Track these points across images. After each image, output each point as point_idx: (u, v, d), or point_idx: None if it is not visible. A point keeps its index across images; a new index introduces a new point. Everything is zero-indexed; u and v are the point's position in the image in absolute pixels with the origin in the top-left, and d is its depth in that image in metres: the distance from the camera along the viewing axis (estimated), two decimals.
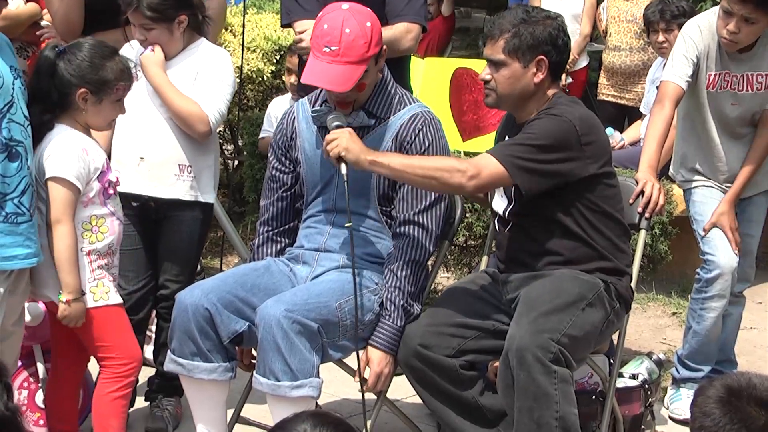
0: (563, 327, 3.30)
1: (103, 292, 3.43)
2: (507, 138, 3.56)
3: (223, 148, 7.03)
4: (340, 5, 3.47)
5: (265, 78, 6.39)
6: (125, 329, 3.51)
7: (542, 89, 3.50)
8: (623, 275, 3.60)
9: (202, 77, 3.85)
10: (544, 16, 3.52)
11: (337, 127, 3.42)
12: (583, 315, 3.38)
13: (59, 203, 3.35)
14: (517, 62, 3.45)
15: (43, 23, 4.78)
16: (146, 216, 3.94)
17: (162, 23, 3.79)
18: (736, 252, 4.19)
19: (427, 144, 3.53)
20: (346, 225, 3.42)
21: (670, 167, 4.45)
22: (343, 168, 3.35)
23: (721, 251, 4.17)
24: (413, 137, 3.52)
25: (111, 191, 3.47)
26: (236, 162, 6.67)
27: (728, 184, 4.28)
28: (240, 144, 6.50)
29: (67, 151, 3.38)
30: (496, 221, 3.69)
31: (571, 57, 6.75)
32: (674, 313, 5.58)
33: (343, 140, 3.33)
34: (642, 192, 3.79)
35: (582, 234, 3.49)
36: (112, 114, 3.50)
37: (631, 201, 3.77)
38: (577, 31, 7.36)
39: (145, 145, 3.85)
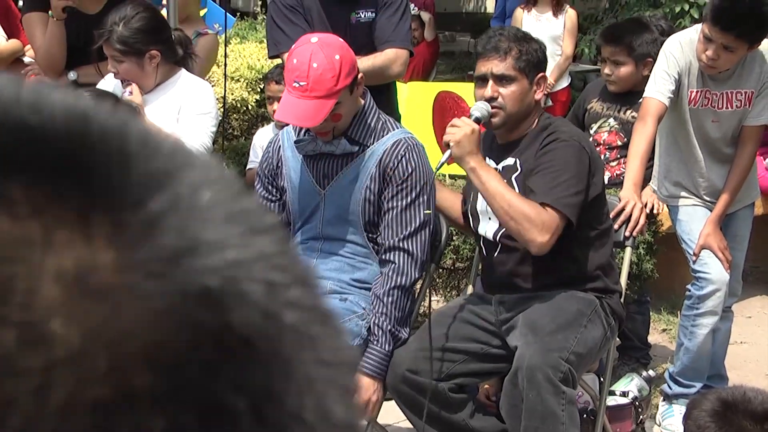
0: (570, 345, 3.32)
1: None
2: (488, 159, 3.56)
3: None
4: (310, 38, 3.49)
5: (250, 107, 6.40)
6: None
7: (537, 107, 3.55)
8: (614, 293, 3.62)
9: (184, 112, 3.86)
10: (530, 35, 3.60)
11: (476, 119, 3.41)
12: (585, 332, 3.40)
13: None
14: (525, 79, 3.49)
15: (26, 60, 4.80)
16: None
17: (132, 57, 3.80)
18: (728, 270, 4.20)
19: (410, 170, 3.54)
20: (426, 211, 3.46)
21: (652, 182, 4.47)
22: (445, 155, 3.36)
23: (713, 268, 4.18)
24: (396, 163, 3.54)
25: None
26: None
27: (711, 199, 4.30)
28: None
29: None
30: (482, 245, 3.68)
31: (550, 80, 6.78)
32: (664, 330, 5.59)
33: (460, 133, 3.33)
34: (623, 210, 3.81)
35: (577, 253, 3.50)
36: None
37: (611, 216, 3.79)
38: (555, 53, 7.39)
39: None
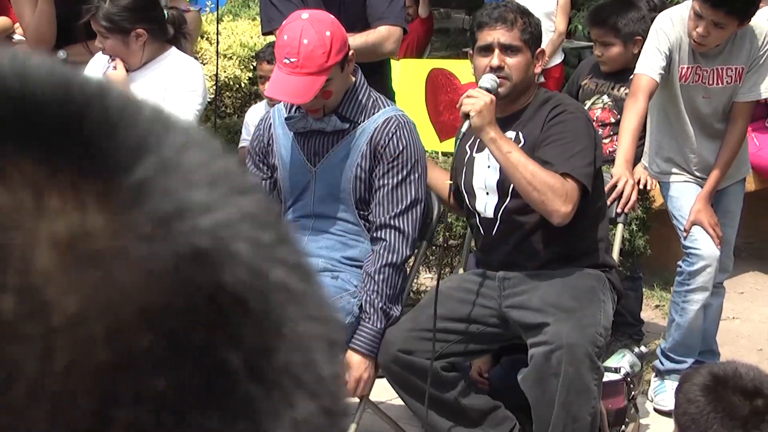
0: (599, 320, 3.36)
1: None
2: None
3: None
4: (300, 15, 3.48)
5: (243, 85, 6.38)
6: None
7: (535, 81, 3.55)
8: (613, 268, 3.64)
9: (171, 89, 3.85)
10: (528, 10, 3.63)
11: (485, 90, 3.41)
12: (605, 306, 3.44)
13: None
14: (529, 51, 3.51)
15: (15, 37, 4.77)
16: None
17: (117, 34, 3.78)
18: (718, 246, 4.21)
19: (401, 147, 3.54)
20: (446, 182, 3.47)
21: (643, 158, 4.47)
22: (465, 125, 3.35)
23: (703, 244, 4.19)
24: (387, 141, 3.54)
25: None
26: None
27: (702, 175, 4.31)
28: None
29: None
30: (479, 222, 3.66)
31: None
32: (657, 306, 5.60)
33: (480, 103, 3.31)
34: (615, 186, 3.82)
35: (581, 227, 3.49)
36: None
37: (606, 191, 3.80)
38: (549, 29, 7.37)
39: None
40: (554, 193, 3.31)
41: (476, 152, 3.59)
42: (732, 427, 2.12)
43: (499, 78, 3.46)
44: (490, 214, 3.58)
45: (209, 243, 0.41)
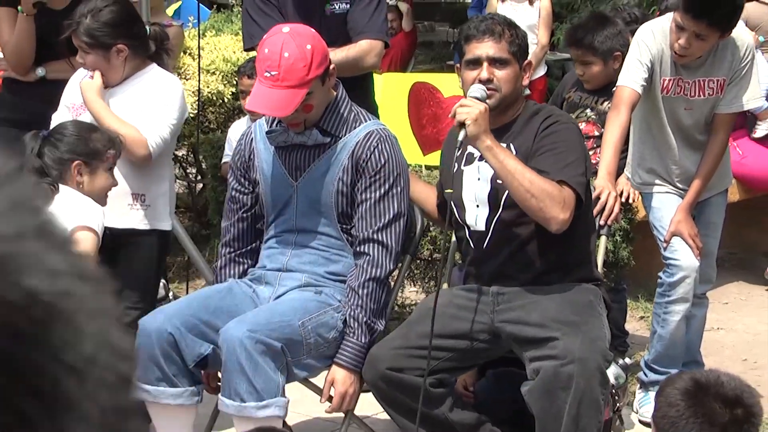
0: (604, 334, 3.38)
1: None
2: (469, 148, 3.52)
3: (187, 171, 7.02)
4: (281, 28, 3.48)
5: (226, 100, 6.38)
6: None
7: (522, 93, 3.56)
8: (601, 281, 3.64)
9: (148, 104, 3.83)
10: (515, 22, 3.64)
11: (476, 99, 3.40)
12: (603, 319, 3.47)
13: (90, 255, 3.35)
14: (517, 63, 3.51)
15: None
16: (102, 244, 3.92)
17: (98, 49, 3.78)
18: (698, 257, 4.22)
19: (383, 161, 3.54)
20: (446, 191, 3.46)
21: (626, 169, 4.48)
22: (461, 134, 3.33)
23: (683, 254, 4.20)
24: (368, 155, 3.53)
25: None
26: (200, 185, 6.66)
27: (684, 186, 4.31)
28: (203, 167, 6.49)
29: (91, 204, 3.44)
30: (468, 236, 3.63)
31: None
32: (641, 317, 5.61)
33: (475, 111, 3.31)
34: (598, 198, 3.82)
35: (572, 238, 3.48)
36: (107, 183, 3.55)
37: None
38: (532, 42, 7.39)
39: None
40: (552, 200, 3.32)
41: (464, 165, 3.59)
42: None
43: (488, 90, 3.47)
44: (481, 226, 3.57)
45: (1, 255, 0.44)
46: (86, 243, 3.36)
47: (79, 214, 3.38)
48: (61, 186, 3.45)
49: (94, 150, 3.50)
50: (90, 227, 3.38)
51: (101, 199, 3.56)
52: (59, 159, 3.46)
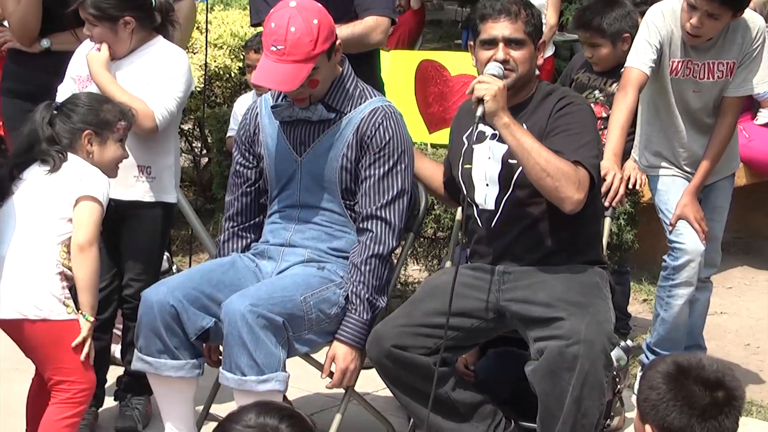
0: (610, 316, 3.37)
1: (74, 307, 3.38)
2: (481, 126, 3.46)
3: (192, 145, 7.02)
4: (288, 3, 3.46)
5: (233, 75, 6.37)
6: (88, 359, 3.40)
7: (536, 73, 3.56)
8: (604, 264, 3.64)
9: (154, 76, 3.82)
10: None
11: (493, 76, 3.39)
12: (609, 302, 3.45)
13: (93, 225, 3.36)
14: (532, 43, 3.50)
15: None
16: (106, 215, 3.91)
17: (105, 22, 3.77)
18: (703, 241, 4.20)
19: (387, 138, 3.52)
20: (466, 167, 3.39)
21: (633, 152, 4.46)
22: (479, 110, 3.32)
23: (688, 238, 4.19)
24: (374, 131, 3.52)
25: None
26: (206, 159, 6.66)
27: (691, 170, 4.29)
28: (209, 141, 6.49)
29: (98, 174, 3.43)
30: (476, 214, 3.61)
31: None
32: (644, 300, 5.61)
33: (494, 88, 3.30)
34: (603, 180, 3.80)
35: (580, 219, 3.46)
36: (117, 155, 3.54)
37: None
38: None
39: None
40: (568, 180, 3.31)
41: (475, 143, 3.56)
42: (690, 416, 2.14)
43: (504, 70, 3.45)
44: (490, 205, 3.55)
45: None
46: (90, 213, 3.36)
47: (84, 183, 3.38)
48: (69, 155, 3.44)
49: (105, 120, 3.50)
50: (94, 197, 3.37)
51: (111, 170, 3.55)
52: (71, 129, 3.46)
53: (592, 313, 3.31)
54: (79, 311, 3.35)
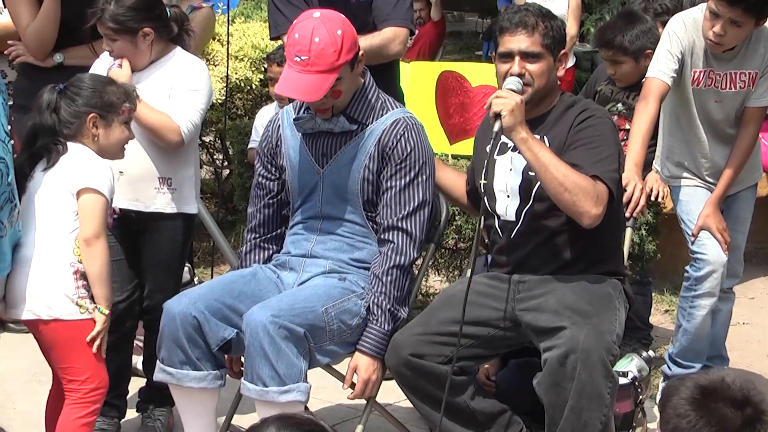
0: (614, 328, 3.35)
1: (89, 306, 3.39)
2: (502, 138, 3.47)
3: (214, 157, 7.04)
4: (312, 13, 3.48)
5: (254, 87, 6.39)
6: (99, 353, 3.43)
7: (558, 84, 3.54)
8: (625, 276, 3.63)
9: (175, 89, 3.84)
10: (551, 12, 3.59)
11: (511, 90, 3.39)
12: (619, 314, 3.43)
13: (98, 218, 3.35)
14: (551, 56, 3.48)
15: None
16: (127, 226, 3.93)
17: (125, 35, 3.79)
18: (725, 252, 4.19)
19: (409, 149, 3.53)
20: (482, 182, 3.39)
21: (655, 162, 4.45)
22: (497, 125, 3.32)
23: (711, 249, 4.17)
24: (395, 142, 3.53)
25: (110, 220, 3.48)
26: (227, 171, 6.68)
27: (713, 180, 4.28)
28: (230, 153, 6.51)
29: (99, 164, 3.42)
30: (497, 225, 3.62)
31: None
32: (666, 311, 5.58)
33: (511, 103, 3.31)
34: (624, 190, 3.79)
35: (600, 232, 3.45)
36: (122, 136, 3.53)
37: None
38: None
39: (124, 160, 3.73)
40: (585, 195, 3.30)
41: (497, 155, 3.57)
42: None
43: (524, 83, 3.45)
44: (511, 216, 3.55)
45: None
46: (93, 205, 3.35)
47: (86, 175, 3.37)
48: (71, 145, 3.43)
49: (109, 102, 3.48)
50: (96, 189, 3.36)
51: (117, 152, 3.55)
52: (76, 112, 3.45)
53: (595, 323, 3.30)
54: (94, 305, 3.37)
